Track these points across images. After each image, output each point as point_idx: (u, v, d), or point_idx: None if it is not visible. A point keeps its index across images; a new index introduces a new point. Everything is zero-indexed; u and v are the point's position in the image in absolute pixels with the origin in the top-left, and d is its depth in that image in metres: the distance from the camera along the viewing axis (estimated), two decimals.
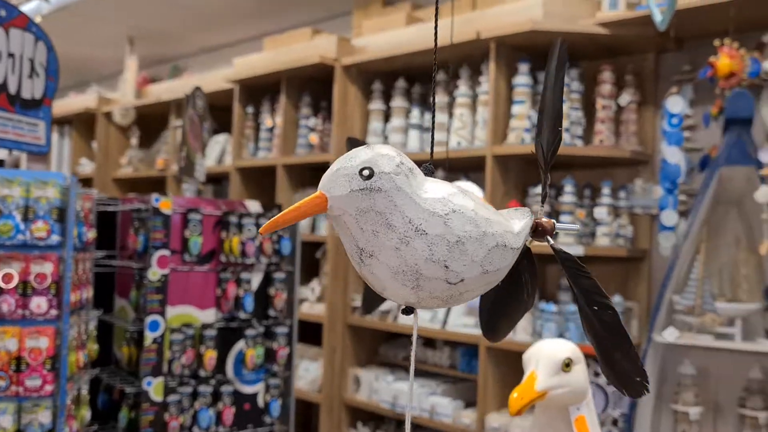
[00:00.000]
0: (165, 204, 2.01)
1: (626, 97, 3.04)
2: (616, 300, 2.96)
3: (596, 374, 2.94)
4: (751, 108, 2.46)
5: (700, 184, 2.66)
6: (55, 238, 1.76)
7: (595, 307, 0.73)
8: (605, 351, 0.72)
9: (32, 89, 1.96)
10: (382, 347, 3.77)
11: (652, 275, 3.03)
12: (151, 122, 5.23)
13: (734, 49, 2.53)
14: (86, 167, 5.44)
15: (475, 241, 0.70)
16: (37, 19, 4.28)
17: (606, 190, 3.02)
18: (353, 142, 1.05)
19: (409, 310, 0.70)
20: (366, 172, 0.67)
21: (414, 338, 0.70)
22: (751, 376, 2.59)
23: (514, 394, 0.95)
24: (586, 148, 3.03)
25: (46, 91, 2.02)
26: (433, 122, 0.84)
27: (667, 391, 2.68)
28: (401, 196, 0.68)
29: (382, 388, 3.43)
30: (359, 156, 0.68)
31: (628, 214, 3.04)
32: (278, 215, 0.66)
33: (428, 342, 3.59)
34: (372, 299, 1.00)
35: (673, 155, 2.73)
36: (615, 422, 2.92)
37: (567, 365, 1.02)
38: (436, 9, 0.83)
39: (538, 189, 3.07)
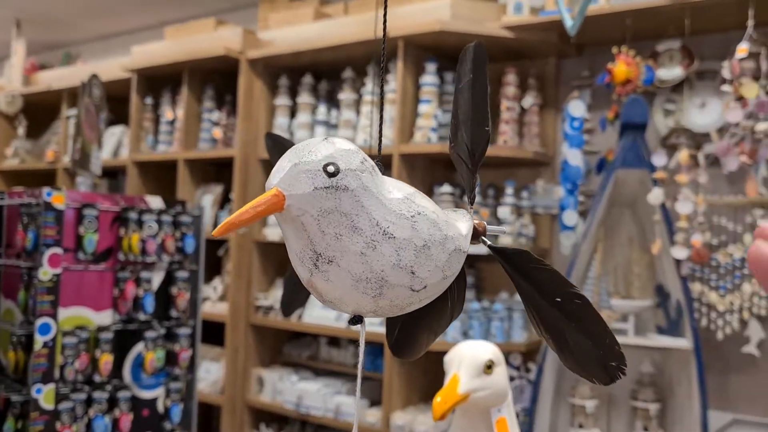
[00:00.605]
0: (58, 198, 1.88)
1: (529, 100, 3.12)
2: (517, 298, 3.03)
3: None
4: (645, 114, 2.57)
5: (597, 185, 2.76)
6: None
7: (558, 299, 0.68)
8: (568, 342, 0.67)
9: None
10: (285, 347, 3.71)
11: None
12: (39, 111, 4.94)
13: (630, 57, 2.64)
14: None
15: (438, 245, 0.65)
16: None
17: (509, 189, 3.09)
18: (274, 139, 1.00)
19: (357, 320, 0.65)
20: (331, 169, 0.60)
21: (361, 348, 0.66)
22: (642, 369, 2.71)
23: (438, 399, 0.94)
24: (491, 148, 3.07)
25: None
26: (381, 116, 0.80)
27: (565, 386, 2.77)
28: (368, 196, 0.62)
29: (286, 389, 3.38)
30: (319, 150, 0.61)
31: (530, 213, 3.12)
32: (233, 216, 0.58)
33: (333, 341, 3.56)
34: (292, 301, 0.95)
35: (574, 157, 2.82)
36: (516, 416, 2.99)
37: (489, 367, 1.01)
38: (385, 2, 0.79)
39: (444, 188, 3.10)
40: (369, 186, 0.62)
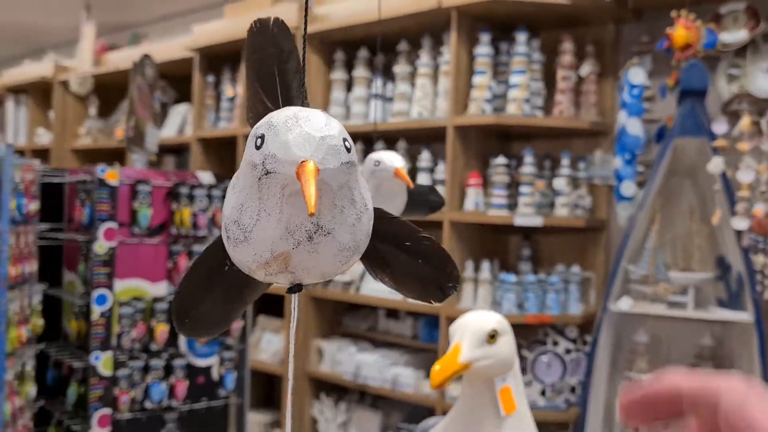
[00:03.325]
0: (111, 175, 1.96)
1: (586, 68, 3.04)
2: (575, 270, 2.98)
3: (555, 343, 2.98)
4: (704, 79, 2.47)
5: (656, 154, 2.68)
6: None
7: (408, 243, 0.73)
8: (409, 275, 0.74)
9: None
10: (344, 318, 3.77)
11: (610, 245, 3.06)
12: (110, 91, 5.11)
13: (690, 21, 2.53)
14: (43, 137, 5.31)
15: (371, 212, 0.69)
16: None
17: (565, 160, 3.03)
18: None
19: (298, 288, 0.67)
20: (347, 144, 0.62)
21: (294, 316, 0.67)
22: (702, 343, 2.63)
23: (436, 367, 0.94)
24: (546, 119, 3.03)
25: None
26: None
27: (622, 359, 2.72)
28: (358, 171, 0.66)
29: (344, 360, 3.44)
30: (333, 124, 0.62)
31: (587, 184, 3.06)
32: (311, 195, 0.57)
33: (391, 313, 3.59)
34: (191, 306, 0.74)
35: (633, 126, 2.74)
36: (573, 389, 2.96)
37: (492, 337, 1.01)
38: None
39: (499, 160, 3.07)
40: (357, 162, 0.65)
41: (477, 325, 1.00)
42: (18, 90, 5.50)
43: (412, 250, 0.74)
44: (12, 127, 5.54)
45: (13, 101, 5.52)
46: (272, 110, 0.72)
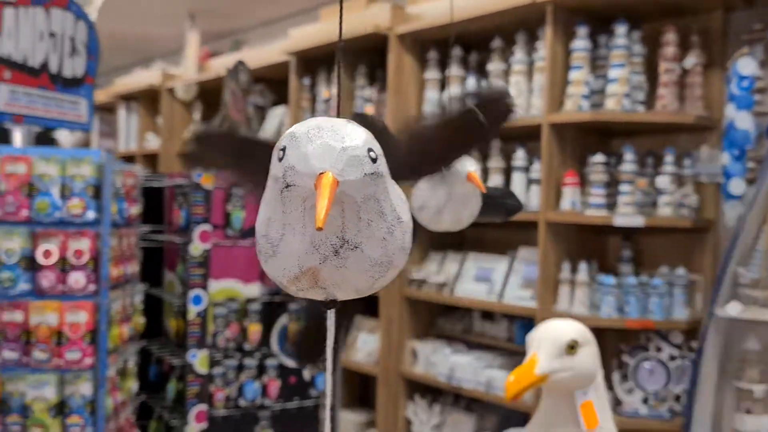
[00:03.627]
0: (206, 179, 2.02)
1: (691, 60, 2.88)
2: (680, 272, 2.84)
3: (658, 349, 2.84)
4: None
5: (767, 150, 2.51)
6: (90, 215, 1.81)
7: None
8: None
9: (73, 68, 2.00)
10: (439, 320, 3.74)
11: (718, 247, 2.89)
12: (213, 96, 5.29)
13: None
14: (152, 142, 5.57)
15: (409, 224, 0.66)
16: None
17: (669, 157, 2.88)
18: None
19: (333, 304, 0.65)
20: (373, 154, 0.60)
21: (331, 332, 0.65)
22: None
23: (511, 378, 0.90)
24: (647, 114, 2.90)
25: (88, 69, 2.05)
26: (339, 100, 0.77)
27: (731, 368, 2.56)
28: (389, 182, 0.62)
29: (439, 361, 3.41)
30: (358, 134, 0.60)
31: (693, 182, 2.90)
32: (323, 209, 0.56)
33: (486, 315, 3.54)
34: (310, 346, 0.86)
35: (742, 120, 2.59)
36: (677, 398, 2.82)
37: (572, 347, 0.95)
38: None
39: (597, 158, 2.96)
40: (387, 172, 0.62)
41: (555, 334, 0.95)
42: (129, 97, 5.79)
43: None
44: (124, 133, 5.85)
45: (125, 108, 5.82)
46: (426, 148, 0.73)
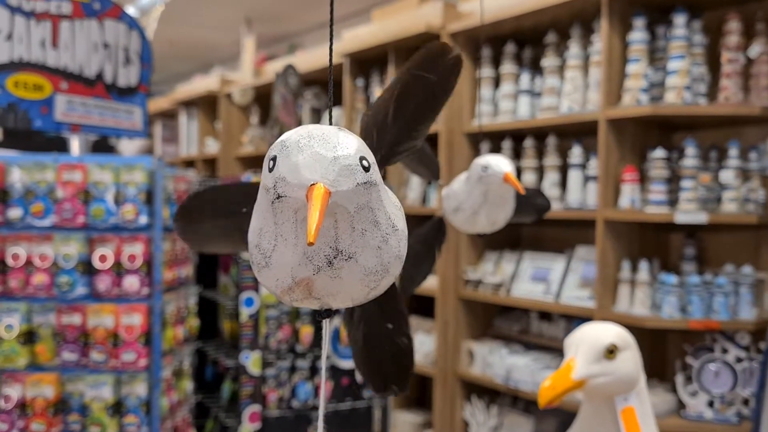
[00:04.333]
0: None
1: (756, 48, 2.76)
2: (746, 271, 2.72)
3: (724, 351, 2.74)
4: None
5: None
6: (143, 220, 1.84)
7: (390, 325, 0.78)
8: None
9: (128, 77, 2.05)
10: (496, 320, 3.70)
11: None
12: (269, 100, 5.36)
13: None
14: (212, 147, 5.68)
15: (404, 232, 0.64)
16: (160, 8, 4.49)
17: (733, 151, 2.77)
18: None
19: (328, 314, 0.64)
20: (365, 163, 0.58)
21: (325, 344, 0.63)
22: None
23: (547, 383, 0.86)
24: (710, 106, 2.79)
25: (141, 78, 2.10)
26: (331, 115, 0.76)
27: None
28: (383, 190, 0.61)
29: (495, 362, 3.37)
30: (349, 143, 0.58)
31: (759, 177, 2.77)
32: (314, 225, 0.54)
33: (544, 315, 3.47)
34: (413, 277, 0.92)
35: None
36: (746, 402, 2.70)
37: (611, 352, 0.91)
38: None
39: (657, 153, 2.86)
40: (380, 180, 0.60)
41: (594, 338, 0.91)
42: (189, 103, 5.92)
43: (389, 332, 0.77)
44: (185, 138, 5.98)
45: (186, 114, 5.95)
46: (386, 126, 0.71)
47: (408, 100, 0.74)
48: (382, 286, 0.63)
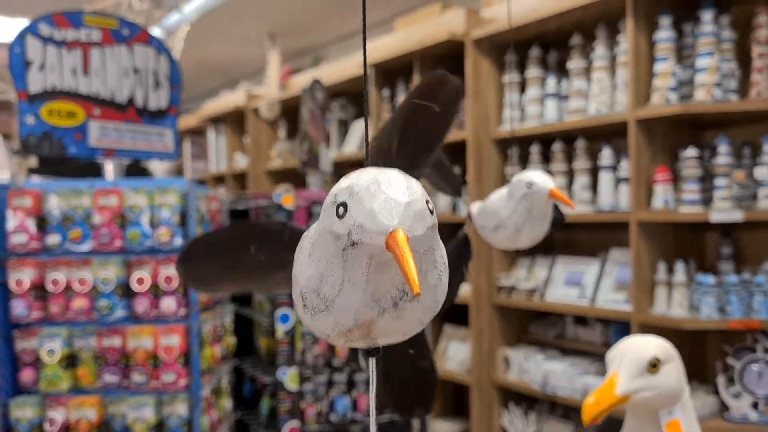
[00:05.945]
0: (287, 199, 2.05)
1: None
2: None
3: (766, 351, 2.69)
4: None
5: None
6: (178, 241, 1.87)
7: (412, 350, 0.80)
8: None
9: (158, 100, 2.08)
10: (531, 326, 3.67)
11: None
12: (296, 113, 5.39)
13: None
14: (240, 162, 5.73)
15: (447, 266, 0.66)
16: (185, 28, 4.55)
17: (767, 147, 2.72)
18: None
19: (375, 352, 0.64)
20: (431, 206, 0.59)
21: (372, 382, 0.64)
22: None
23: (590, 399, 0.86)
24: (741, 102, 2.74)
25: (171, 100, 2.13)
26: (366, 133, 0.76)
27: None
28: (436, 231, 0.62)
29: (531, 368, 3.34)
30: (413, 188, 0.59)
31: None
32: (413, 275, 0.54)
33: (579, 320, 3.44)
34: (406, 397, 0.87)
35: None
36: None
37: (654, 365, 0.90)
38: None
39: (689, 152, 2.83)
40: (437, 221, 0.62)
41: (636, 352, 0.90)
42: (217, 120, 5.99)
43: (411, 357, 0.79)
44: (214, 155, 6.04)
45: (214, 130, 6.01)
46: (390, 157, 0.72)
47: (411, 131, 0.74)
48: (428, 320, 0.64)
